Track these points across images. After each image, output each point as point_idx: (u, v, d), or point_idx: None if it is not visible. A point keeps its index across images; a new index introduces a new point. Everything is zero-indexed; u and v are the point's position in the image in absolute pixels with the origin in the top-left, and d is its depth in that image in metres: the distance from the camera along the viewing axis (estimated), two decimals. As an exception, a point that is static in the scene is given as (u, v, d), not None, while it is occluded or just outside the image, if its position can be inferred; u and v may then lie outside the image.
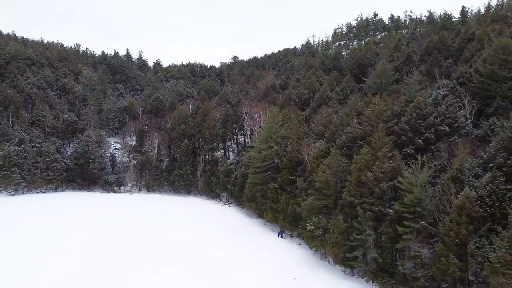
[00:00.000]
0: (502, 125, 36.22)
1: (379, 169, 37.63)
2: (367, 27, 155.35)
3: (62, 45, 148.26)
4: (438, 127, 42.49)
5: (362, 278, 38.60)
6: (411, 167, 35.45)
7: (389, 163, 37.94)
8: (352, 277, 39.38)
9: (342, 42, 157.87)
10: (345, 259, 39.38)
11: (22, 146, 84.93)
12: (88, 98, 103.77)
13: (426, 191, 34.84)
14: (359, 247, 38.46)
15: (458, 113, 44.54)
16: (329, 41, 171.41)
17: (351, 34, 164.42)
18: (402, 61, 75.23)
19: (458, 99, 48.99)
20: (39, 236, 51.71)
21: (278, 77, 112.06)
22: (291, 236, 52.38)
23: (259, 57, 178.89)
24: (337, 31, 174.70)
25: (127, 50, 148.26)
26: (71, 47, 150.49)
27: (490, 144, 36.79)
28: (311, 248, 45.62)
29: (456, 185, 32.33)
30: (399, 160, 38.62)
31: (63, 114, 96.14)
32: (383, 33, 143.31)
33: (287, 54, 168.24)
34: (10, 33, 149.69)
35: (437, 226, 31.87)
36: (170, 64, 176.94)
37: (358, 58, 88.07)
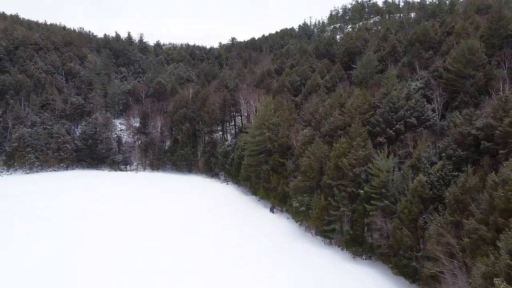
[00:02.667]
0: (455, 121, 42.72)
1: (353, 156, 44.41)
2: (361, 11, 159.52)
3: (65, 27, 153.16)
4: (407, 120, 49.01)
5: (338, 247, 45.81)
6: (379, 155, 42.39)
7: (362, 151, 44.66)
8: (330, 246, 46.59)
9: (337, 25, 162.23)
10: (324, 231, 46.58)
11: (35, 128, 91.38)
12: (93, 82, 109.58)
13: (391, 176, 41.82)
14: (335, 221, 45.61)
15: (426, 106, 50.90)
16: (325, 23, 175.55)
17: (347, 17, 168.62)
18: (387, 51, 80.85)
19: (432, 92, 55.40)
20: (48, 209, 58.73)
21: (274, 62, 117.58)
22: (281, 211, 59.61)
23: (256, 38, 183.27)
24: (333, 13, 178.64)
25: (129, 33, 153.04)
26: (74, 29, 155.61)
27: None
28: (297, 222, 52.94)
29: (414, 171, 39.26)
30: (371, 149, 45.25)
31: (71, 97, 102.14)
32: (377, 17, 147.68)
33: (284, 35, 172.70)
34: (13, 14, 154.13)
35: (396, 205, 38.86)
36: (170, 44, 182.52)
37: (348, 46, 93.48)
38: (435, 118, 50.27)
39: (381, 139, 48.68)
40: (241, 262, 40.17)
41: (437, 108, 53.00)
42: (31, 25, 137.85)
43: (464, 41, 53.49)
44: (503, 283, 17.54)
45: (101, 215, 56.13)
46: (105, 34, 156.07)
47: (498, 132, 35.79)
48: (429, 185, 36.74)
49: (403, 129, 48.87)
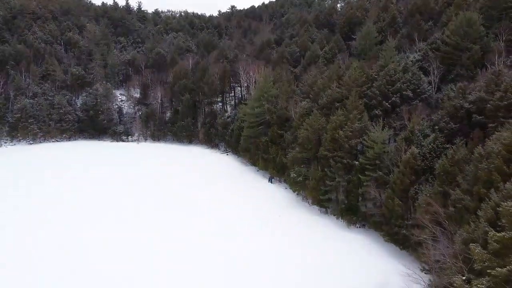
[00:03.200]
0: (448, 94, 43.68)
1: (349, 128, 45.74)
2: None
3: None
4: (403, 92, 49.88)
5: (334, 215, 47.77)
6: (375, 128, 43.67)
7: (358, 124, 45.92)
8: (326, 214, 48.62)
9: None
10: (321, 200, 48.51)
11: (36, 99, 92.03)
12: (93, 53, 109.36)
13: (387, 147, 43.20)
14: (331, 191, 47.48)
15: (423, 79, 51.67)
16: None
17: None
18: (387, 22, 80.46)
19: (429, 64, 55.93)
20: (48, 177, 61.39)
21: (274, 31, 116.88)
22: (279, 181, 61.44)
23: (256, 5, 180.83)
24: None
25: (127, 0, 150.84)
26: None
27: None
28: (294, 191, 54.87)
29: (407, 143, 40.60)
30: (367, 121, 46.48)
31: (71, 68, 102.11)
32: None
33: (285, 3, 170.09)
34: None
35: (389, 176, 40.43)
36: (168, 12, 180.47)
37: (348, 17, 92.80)
38: (430, 91, 51.15)
39: (377, 112, 49.69)
40: (241, 230, 42.13)
41: (433, 81, 53.72)
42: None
43: (462, 13, 53.57)
44: (478, 247, 19.19)
45: (104, 184, 58.06)
46: (102, 2, 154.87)
47: (489, 106, 36.94)
48: (421, 157, 38.12)
49: (399, 102, 49.80)
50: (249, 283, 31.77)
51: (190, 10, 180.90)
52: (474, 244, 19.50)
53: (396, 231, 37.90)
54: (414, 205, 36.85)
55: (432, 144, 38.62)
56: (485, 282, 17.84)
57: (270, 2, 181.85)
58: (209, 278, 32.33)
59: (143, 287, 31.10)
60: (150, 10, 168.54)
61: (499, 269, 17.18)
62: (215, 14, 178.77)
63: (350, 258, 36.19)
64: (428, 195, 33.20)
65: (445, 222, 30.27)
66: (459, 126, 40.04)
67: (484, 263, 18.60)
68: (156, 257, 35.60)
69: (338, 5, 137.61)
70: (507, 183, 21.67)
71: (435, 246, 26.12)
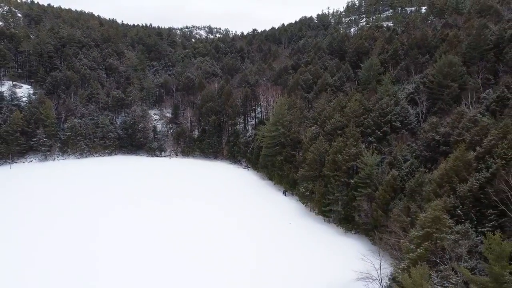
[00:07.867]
0: (424, 128, 54.24)
1: (347, 153, 56.75)
2: (376, 4, 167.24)
3: (101, 23, 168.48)
4: (393, 123, 60.64)
5: (334, 223, 58.59)
6: (367, 153, 54.55)
7: (354, 149, 56.88)
8: (328, 223, 59.36)
9: (353, 18, 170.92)
10: (324, 211, 59.30)
11: (83, 119, 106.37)
12: (131, 77, 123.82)
13: (376, 169, 53.87)
14: (332, 204, 58.08)
15: (410, 112, 62.26)
16: (342, 14, 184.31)
17: (362, 9, 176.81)
18: (390, 54, 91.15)
19: (419, 96, 66.40)
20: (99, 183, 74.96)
21: (291, 57, 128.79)
22: (292, 194, 72.52)
23: (276, 27, 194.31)
24: (350, 4, 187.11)
25: (159, 26, 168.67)
26: (106, 18, 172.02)
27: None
28: (303, 203, 65.87)
29: (390, 167, 51.37)
30: (361, 147, 57.39)
31: (112, 91, 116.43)
32: (389, 11, 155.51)
33: (302, 26, 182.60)
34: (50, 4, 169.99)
35: (376, 192, 51.10)
36: (193, 27, 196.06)
37: (357, 46, 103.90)
38: (415, 122, 61.62)
39: (371, 139, 60.56)
40: (257, 233, 53.46)
41: (421, 112, 64.20)
42: (72, 23, 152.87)
43: (445, 56, 64.07)
44: (406, 242, 29.98)
45: (138, 190, 70.58)
46: (134, 24, 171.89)
47: (451, 139, 47.50)
48: (400, 178, 48.81)
49: (389, 131, 60.48)
50: (255, 276, 42.63)
51: (213, 26, 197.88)
52: (403, 240, 30.36)
53: (380, 237, 48.45)
54: (391, 216, 47.55)
55: (409, 168, 49.30)
56: (406, 263, 28.62)
57: (289, 23, 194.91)
58: (217, 272, 42.58)
59: None
60: (177, 25, 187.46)
61: (411, 254, 28.00)
62: (237, 29, 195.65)
63: (341, 254, 47.02)
64: (399, 208, 43.95)
65: (408, 228, 41.06)
66: (431, 154, 50.66)
67: (410, 253, 29.46)
68: (182, 260, 45.55)
69: (352, 29, 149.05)
70: (434, 201, 32.50)
71: (395, 244, 36.91)
